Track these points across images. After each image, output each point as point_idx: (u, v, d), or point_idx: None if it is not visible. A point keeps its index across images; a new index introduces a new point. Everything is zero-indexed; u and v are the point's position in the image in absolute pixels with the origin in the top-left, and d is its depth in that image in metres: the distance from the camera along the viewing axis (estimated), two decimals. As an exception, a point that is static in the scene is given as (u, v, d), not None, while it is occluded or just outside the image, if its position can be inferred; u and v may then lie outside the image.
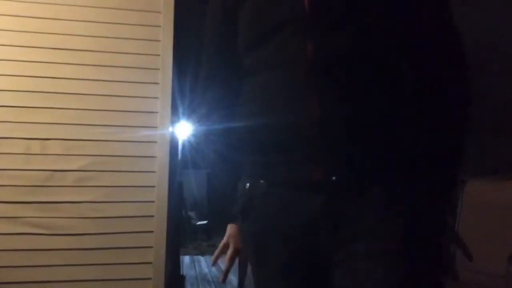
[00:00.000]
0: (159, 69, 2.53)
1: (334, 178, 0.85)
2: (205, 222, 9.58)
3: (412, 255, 0.83)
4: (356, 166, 0.86)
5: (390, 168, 0.86)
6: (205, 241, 8.74)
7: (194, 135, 9.28)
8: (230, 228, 1.12)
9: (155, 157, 2.48)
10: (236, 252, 1.10)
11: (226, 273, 1.11)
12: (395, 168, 0.87)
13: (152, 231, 2.43)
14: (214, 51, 1.09)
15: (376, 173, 0.86)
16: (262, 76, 0.94)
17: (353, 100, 0.86)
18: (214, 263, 1.15)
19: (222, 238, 1.13)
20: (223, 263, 1.11)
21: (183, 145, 8.83)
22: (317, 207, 0.87)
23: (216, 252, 1.14)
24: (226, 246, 1.12)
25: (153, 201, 2.45)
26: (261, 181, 0.95)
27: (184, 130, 8.59)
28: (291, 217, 0.90)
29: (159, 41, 2.55)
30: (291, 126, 0.88)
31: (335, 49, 0.86)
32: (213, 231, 9.36)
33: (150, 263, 2.41)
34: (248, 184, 0.98)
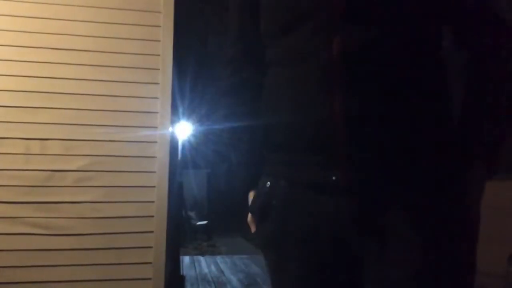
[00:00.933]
0: (159, 69, 2.53)
1: (359, 180, 0.82)
2: (205, 222, 9.58)
3: (438, 257, 0.81)
4: (383, 168, 0.82)
5: (420, 170, 0.82)
6: (205, 241, 8.74)
7: (194, 135, 9.29)
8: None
9: (155, 157, 2.48)
10: None
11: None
12: (425, 170, 0.83)
13: (152, 231, 2.43)
14: (236, 40, 1.06)
15: (404, 175, 0.82)
16: (286, 69, 0.90)
17: (382, 98, 0.82)
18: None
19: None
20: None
21: (183, 145, 8.84)
22: (341, 209, 0.84)
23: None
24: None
25: (153, 201, 2.45)
26: (283, 181, 0.92)
27: (184, 130, 8.60)
28: (313, 219, 0.87)
29: (159, 41, 2.55)
30: (316, 125, 0.84)
31: (363, 43, 0.82)
32: (213, 231, 9.37)
33: (150, 263, 2.40)
34: (268, 183, 0.95)
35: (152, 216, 2.44)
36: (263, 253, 1.00)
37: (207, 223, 9.54)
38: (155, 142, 2.48)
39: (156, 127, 2.50)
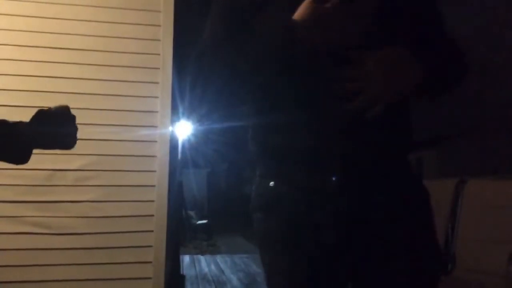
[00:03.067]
0: (159, 68, 2.53)
1: (341, 183, 0.87)
2: (205, 221, 9.59)
3: (420, 254, 0.86)
4: (364, 170, 0.87)
5: (405, 174, 0.89)
6: (205, 240, 8.74)
7: (194, 134, 9.28)
8: None
9: (155, 156, 2.48)
10: None
11: None
12: (410, 173, 0.90)
13: (152, 231, 2.43)
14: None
15: (386, 177, 0.87)
16: (278, 77, 0.93)
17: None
18: None
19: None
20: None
21: (183, 145, 8.82)
22: (326, 211, 0.88)
23: None
24: None
25: (153, 201, 2.45)
26: (270, 180, 0.97)
27: (184, 129, 8.60)
28: (296, 219, 0.92)
29: (159, 40, 2.54)
30: (307, 133, 0.89)
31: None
32: (213, 230, 9.38)
33: (150, 262, 2.41)
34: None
35: (152, 215, 2.44)
36: (258, 246, 1.05)
37: (207, 222, 9.55)
38: (155, 141, 2.48)
39: (156, 126, 2.50)
